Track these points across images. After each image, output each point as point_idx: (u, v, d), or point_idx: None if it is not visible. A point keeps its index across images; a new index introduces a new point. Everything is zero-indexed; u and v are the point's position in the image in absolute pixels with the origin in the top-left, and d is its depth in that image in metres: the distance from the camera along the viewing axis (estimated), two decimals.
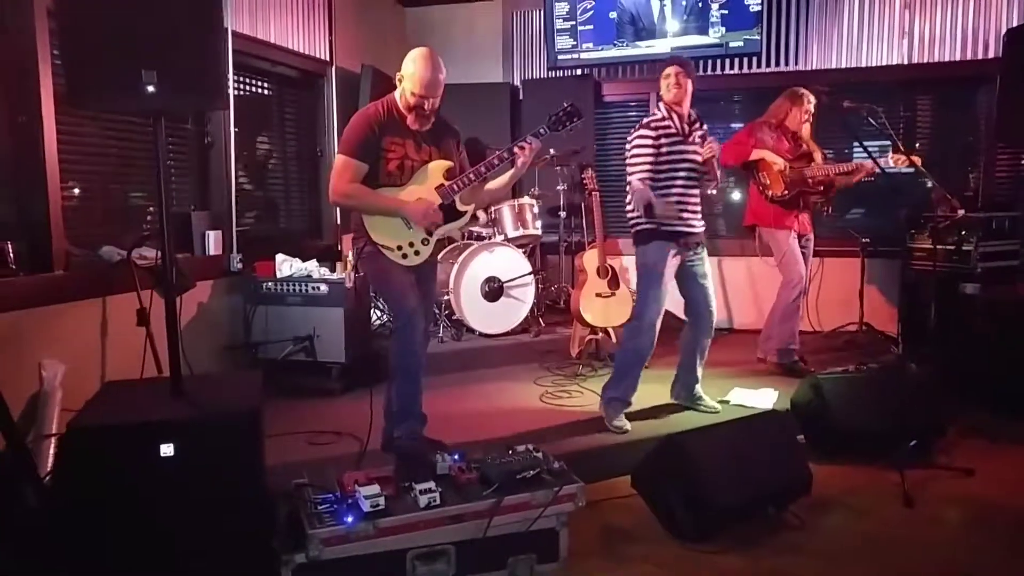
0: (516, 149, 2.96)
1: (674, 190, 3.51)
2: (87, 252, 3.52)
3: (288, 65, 5.06)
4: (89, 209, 3.68)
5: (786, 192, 4.40)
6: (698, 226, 3.59)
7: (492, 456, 2.63)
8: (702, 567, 2.52)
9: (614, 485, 3.10)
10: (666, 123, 3.53)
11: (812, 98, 4.50)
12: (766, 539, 2.68)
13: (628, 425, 3.52)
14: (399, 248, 2.99)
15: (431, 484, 2.39)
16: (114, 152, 3.73)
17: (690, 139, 3.54)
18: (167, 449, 2.13)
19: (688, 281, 3.64)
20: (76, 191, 3.57)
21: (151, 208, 4.16)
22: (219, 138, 4.41)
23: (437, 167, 3.04)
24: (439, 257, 3.48)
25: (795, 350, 4.46)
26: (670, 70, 3.51)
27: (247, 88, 4.86)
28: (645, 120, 3.60)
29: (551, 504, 2.44)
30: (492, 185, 3.17)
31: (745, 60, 5.80)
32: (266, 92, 5.11)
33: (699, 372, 3.76)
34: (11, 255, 3.13)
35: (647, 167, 3.47)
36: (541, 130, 3.01)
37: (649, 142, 3.49)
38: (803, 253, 4.49)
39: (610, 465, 3.23)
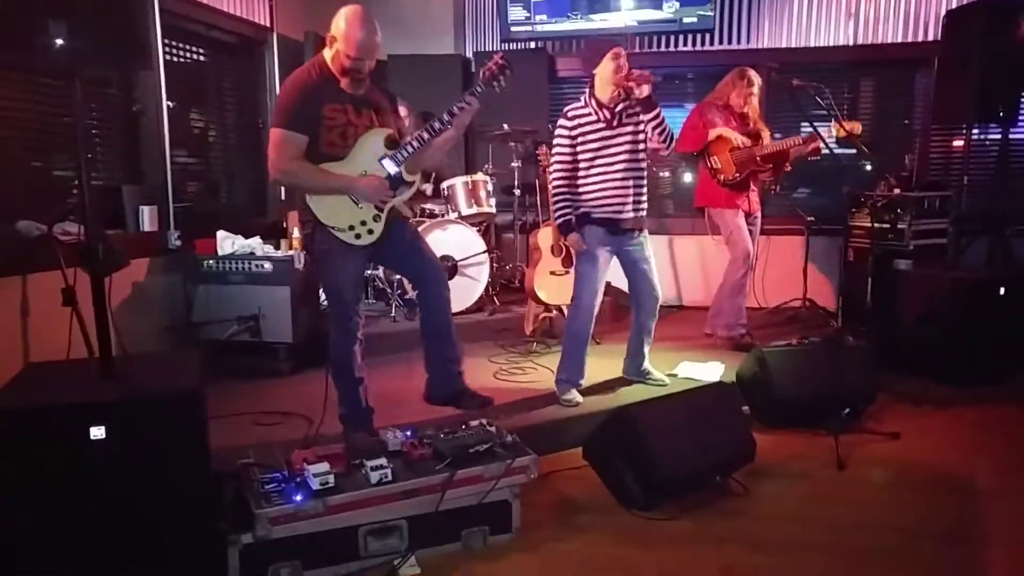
0: (456, 110, 2.80)
1: (600, 180, 3.48)
2: (2, 228, 3.30)
3: (224, 30, 4.81)
4: (3, 180, 3.44)
5: (737, 175, 4.46)
6: (632, 213, 3.52)
7: (445, 431, 2.60)
8: (651, 534, 2.56)
9: (566, 457, 3.12)
10: (587, 111, 3.47)
11: (757, 79, 4.55)
12: (712, 505, 2.75)
13: (579, 398, 3.55)
14: (351, 228, 2.82)
15: (382, 460, 2.35)
16: (32, 118, 3.50)
17: (619, 124, 3.46)
18: (97, 432, 2.02)
19: (628, 266, 3.65)
20: None
21: (76, 180, 3.98)
22: (150, 107, 4.20)
23: (377, 136, 2.85)
24: None
25: (743, 325, 4.53)
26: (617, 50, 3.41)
27: (180, 55, 4.62)
28: (565, 109, 3.55)
29: (504, 476, 2.44)
30: (436, 145, 2.95)
31: (698, 37, 5.82)
32: (201, 59, 4.85)
33: (646, 350, 3.79)
34: None
35: (566, 166, 3.50)
36: (477, 88, 2.85)
37: (565, 134, 3.48)
38: (750, 231, 4.56)
39: (562, 438, 3.24)
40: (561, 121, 3.51)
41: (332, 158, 2.80)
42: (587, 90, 3.53)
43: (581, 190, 3.52)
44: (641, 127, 3.49)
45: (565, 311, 4.64)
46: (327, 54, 2.80)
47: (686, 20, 5.68)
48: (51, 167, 3.73)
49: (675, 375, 3.89)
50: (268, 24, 5.18)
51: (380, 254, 2.98)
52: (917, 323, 4.36)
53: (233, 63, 5.14)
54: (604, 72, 3.42)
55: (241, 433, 3.16)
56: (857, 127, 4.29)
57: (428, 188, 5.02)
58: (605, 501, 2.76)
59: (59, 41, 2.06)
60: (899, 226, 4.70)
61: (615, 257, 3.60)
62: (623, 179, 3.49)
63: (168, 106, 4.26)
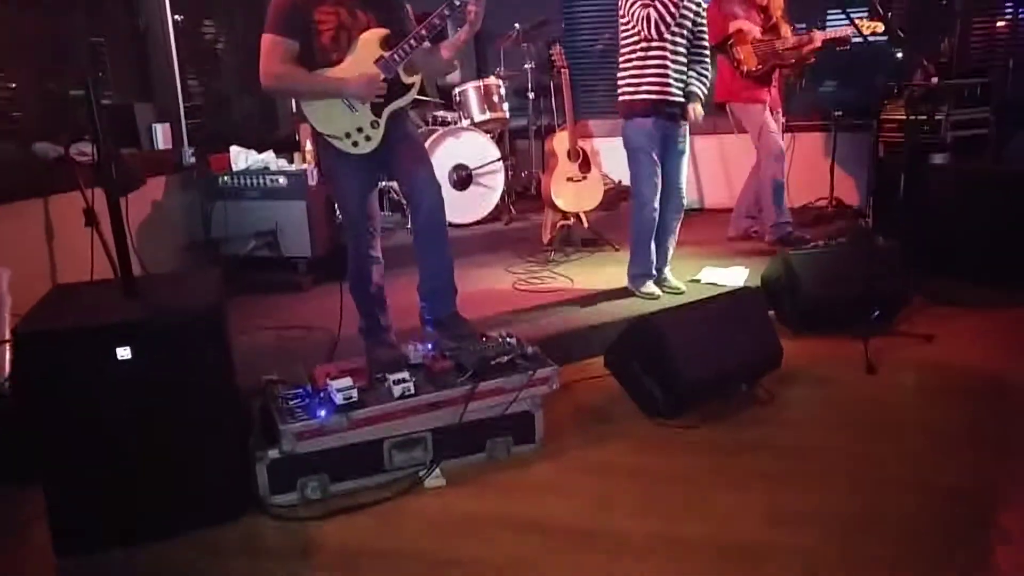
0: (458, 5, 2.62)
1: (659, 57, 3.39)
2: (17, 150, 3.28)
3: None
4: (15, 106, 3.39)
5: (759, 66, 4.28)
6: (681, 95, 3.49)
7: (465, 343, 2.60)
8: (674, 441, 2.57)
9: (588, 367, 3.12)
10: None
11: None
12: (737, 413, 2.73)
13: (657, 290, 3.61)
14: (347, 136, 2.72)
15: (405, 374, 2.36)
16: (44, 39, 3.42)
17: (683, 5, 3.35)
18: (124, 352, 2.04)
19: (665, 153, 3.56)
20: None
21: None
22: (156, 23, 4.09)
23: (372, 37, 2.70)
24: None
25: (789, 223, 4.41)
26: None
27: None
28: None
29: (525, 388, 2.44)
30: (444, 50, 2.82)
31: None
32: None
33: (669, 252, 3.73)
34: None
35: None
36: None
37: None
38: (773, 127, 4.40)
39: (583, 347, 3.24)
40: None
41: (326, 63, 2.69)
42: None
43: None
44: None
45: (584, 218, 4.58)
46: None
47: None
48: (66, 87, 3.67)
49: (698, 280, 3.85)
50: None
51: (385, 164, 2.87)
52: (954, 221, 4.18)
53: None
54: None
55: (264, 348, 3.21)
56: (879, 26, 4.06)
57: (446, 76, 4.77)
58: (628, 410, 2.77)
59: None
60: (936, 117, 4.46)
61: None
62: (681, 58, 3.46)
63: (176, 20, 4.13)
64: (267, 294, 3.99)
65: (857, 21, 4.11)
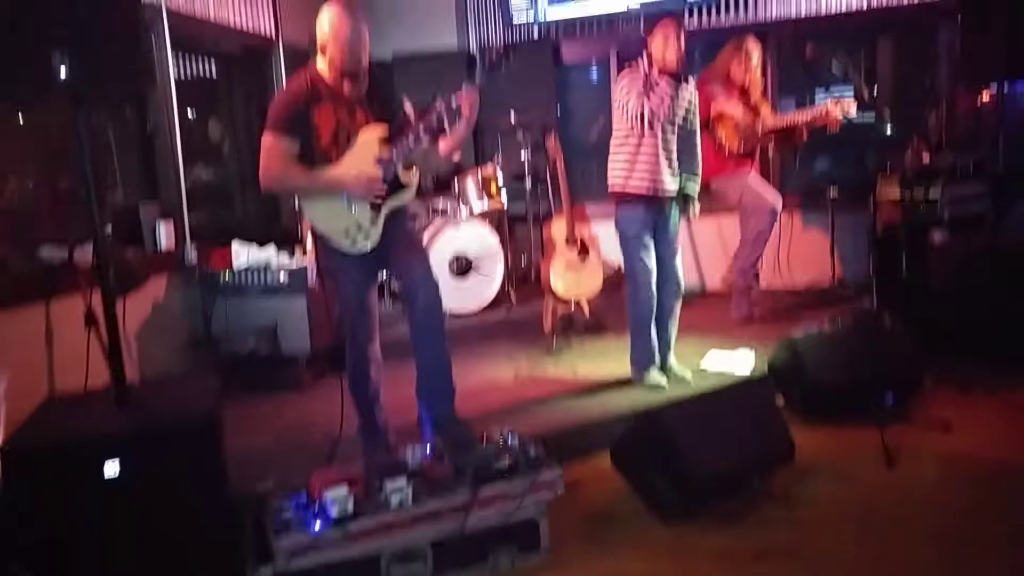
0: (460, 98, 2.65)
1: (651, 148, 3.44)
2: (23, 255, 3.31)
3: (231, 43, 4.82)
4: (25, 209, 3.45)
5: (741, 147, 4.45)
6: (673, 185, 3.53)
7: (464, 446, 2.53)
8: (686, 547, 2.45)
9: (594, 462, 3.03)
10: (651, 74, 3.41)
11: (756, 48, 4.46)
12: (751, 514, 2.61)
13: (661, 379, 3.55)
14: (346, 234, 2.74)
15: (402, 481, 2.29)
16: (51, 145, 3.49)
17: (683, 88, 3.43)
18: (112, 466, 1.98)
19: (657, 237, 3.58)
20: (8, 190, 3.35)
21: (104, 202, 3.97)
22: (163, 125, 4.19)
23: (371, 135, 2.74)
24: None
25: (755, 274, 4.60)
26: (668, 25, 3.37)
27: (190, 70, 4.62)
28: (628, 64, 3.52)
29: (529, 493, 2.36)
30: (443, 146, 2.87)
31: (704, 12, 5.64)
32: (211, 73, 4.87)
33: (671, 338, 3.69)
34: None
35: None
36: (477, 76, 2.71)
37: (640, 79, 3.38)
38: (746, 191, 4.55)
39: (588, 442, 3.15)
40: (629, 74, 3.46)
41: (326, 161, 2.73)
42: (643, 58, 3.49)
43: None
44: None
45: (585, 305, 4.56)
46: (320, 63, 2.72)
47: None
48: (71, 189, 3.72)
49: (703, 370, 3.78)
50: (273, 34, 5.13)
51: (383, 261, 2.87)
52: (956, 299, 4.11)
53: (242, 74, 5.13)
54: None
55: (262, 451, 3.15)
56: (851, 107, 4.29)
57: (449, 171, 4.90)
58: (637, 511, 2.66)
59: (63, 72, 2.02)
60: (931, 195, 4.47)
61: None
62: (672, 148, 3.51)
63: (190, 116, 4.23)
64: (267, 392, 3.93)
65: (828, 105, 4.26)
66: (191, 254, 4.22)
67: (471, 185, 5.00)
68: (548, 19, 5.76)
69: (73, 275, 3.21)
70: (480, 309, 4.84)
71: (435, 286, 2.75)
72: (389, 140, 2.75)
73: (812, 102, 5.62)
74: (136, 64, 2.16)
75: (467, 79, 2.69)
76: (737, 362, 3.77)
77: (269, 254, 4.26)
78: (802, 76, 5.48)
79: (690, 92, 3.53)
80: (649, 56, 3.42)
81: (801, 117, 4.45)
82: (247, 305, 4.10)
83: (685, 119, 3.53)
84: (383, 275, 4.66)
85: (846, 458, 3.01)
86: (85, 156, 2.19)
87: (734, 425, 2.73)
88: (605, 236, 5.48)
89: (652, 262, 3.52)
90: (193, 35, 4.46)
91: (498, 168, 5.11)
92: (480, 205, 4.99)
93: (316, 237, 2.81)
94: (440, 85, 5.51)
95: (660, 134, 3.42)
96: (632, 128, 3.39)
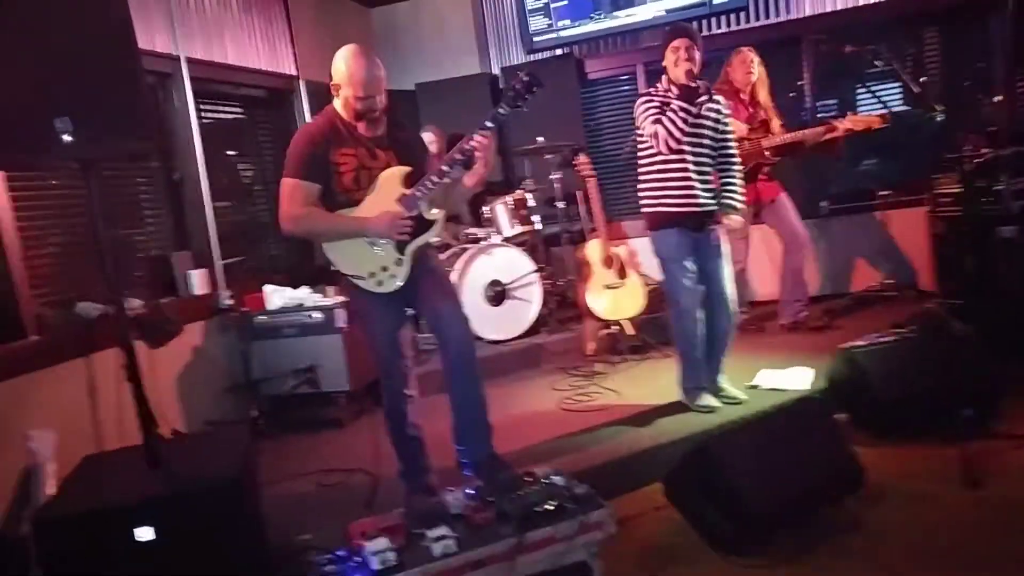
0: (474, 143, 2.61)
1: (680, 168, 3.27)
2: (62, 312, 3.32)
3: (253, 85, 4.84)
4: (59, 265, 3.46)
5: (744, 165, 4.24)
6: (709, 204, 3.34)
7: (507, 488, 2.40)
8: None
9: (647, 494, 2.86)
10: (668, 96, 3.26)
11: (751, 53, 4.32)
12: (819, 545, 2.41)
13: (715, 402, 3.37)
14: (371, 275, 2.66)
15: (444, 530, 2.17)
16: (81, 202, 3.51)
17: (699, 113, 3.24)
18: (144, 533, 1.91)
19: (702, 258, 3.39)
20: (41, 249, 3.36)
21: (137, 253, 4.00)
22: (189, 172, 4.20)
23: (394, 175, 2.69)
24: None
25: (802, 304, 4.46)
26: (679, 43, 3.21)
27: (214, 115, 4.63)
28: (647, 90, 3.38)
29: (578, 535, 2.21)
30: (465, 183, 2.80)
31: (732, 16, 5.49)
32: (236, 116, 4.89)
33: (722, 362, 3.49)
34: None
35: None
36: (501, 110, 2.65)
37: (656, 104, 3.25)
38: (774, 219, 4.42)
39: (640, 473, 2.99)
40: (647, 99, 3.31)
41: (348, 204, 2.67)
42: (664, 76, 3.37)
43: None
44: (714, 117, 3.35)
45: (627, 326, 4.40)
46: (337, 104, 2.68)
47: (716, 1, 5.34)
48: (109, 244, 3.72)
49: (756, 386, 3.59)
50: (294, 72, 5.14)
51: (411, 300, 2.79)
52: None
53: (265, 114, 5.14)
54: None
55: (302, 497, 3.08)
56: (875, 122, 4.17)
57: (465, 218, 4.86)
58: (694, 546, 2.49)
59: (67, 137, 2.00)
60: (996, 187, 4.18)
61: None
62: (705, 168, 3.34)
63: (216, 160, 4.22)
64: (308, 432, 3.89)
65: (848, 120, 4.17)
66: (225, 299, 4.21)
67: (502, 210, 4.91)
68: (570, 35, 5.67)
69: (111, 329, 3.18)
70: (518, 335, 4.72)
71: (466, 324, 2.66)
72: (412, 178, 2.69)
73: (854, 101, 5.41)
74: (140, 125, 2.11)
75: (485, 123, 2.63)
76: (793, 378, 3.57)
77: (302, 294, 4.23)
78: (842, 75, 5.28)
79: (715, 104, 3.35)
80: (667, 80, 3.29)
81: (809, 135, 4.30)
82: (284, 346, 4.07)
83: (715, 130, 3.35)
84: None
85: (923, 480, 2.76)
86: (95, 217, 2.16)
87: (794, 450, 2.55)
88: (645, 251, 5.35)
89: (695, 284, 3.35)
90: (214, 80, 4.47)
91: (528, 192, 5.01)
92: (512, 229, 4.89)
93: (343, 279, 2.73)
94: (464, 110, 5.59)
95: (687, 152, 3.25)
96: (655, 151, 3.25)
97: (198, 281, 4.13)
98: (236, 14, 4.62)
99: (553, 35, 5.70)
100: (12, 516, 2.85)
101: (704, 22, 5.51)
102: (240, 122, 4.96)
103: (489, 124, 2.63)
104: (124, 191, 3.98)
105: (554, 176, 5.10)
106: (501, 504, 2.30)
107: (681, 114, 3.13)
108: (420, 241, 2.71)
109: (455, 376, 2.70)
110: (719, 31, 5.53)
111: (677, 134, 3.15)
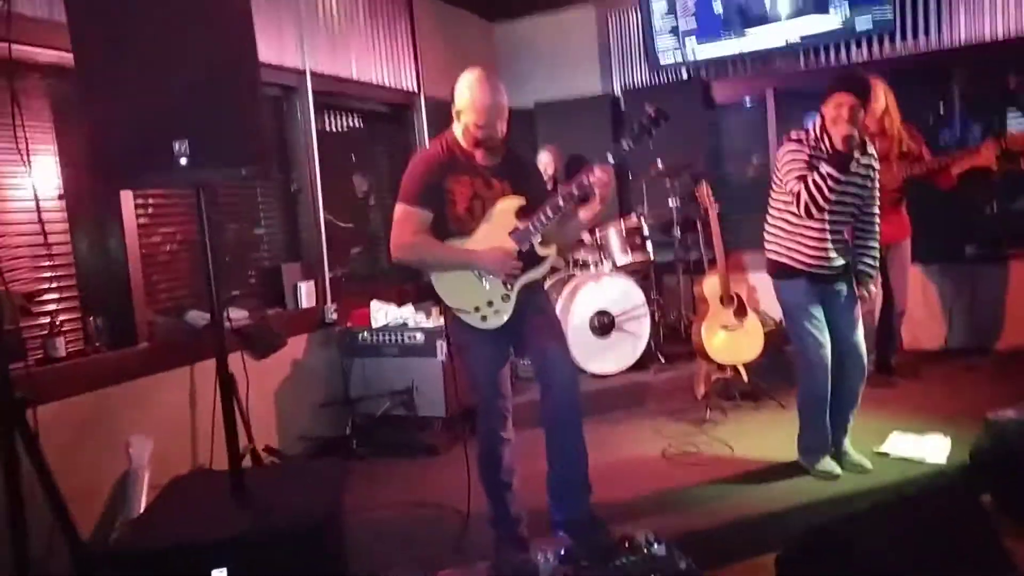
0: (593, 178, 2.45)
1: (817, 227, 2.99)
2: (172, 319, 3.41)
3: (375, 100, 4.88)
4: (175, 273, 3.57)
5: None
6: (841, 261, 3.05)
7: (602, 554, 2.21)
8: None
9: (754, 568, 2.59)
10: (820, 147, 2.96)
11: (880, 87, 3.85)
12: None
13: (837, 468, 3.09)
14: (476, 310, 2.56)
15: None
16: (193, 213, 3.60)
17: (849, 170, 2.91)
18: (220, 574, 1.85)
19: (830, 307, 3.09)
20: (159, 257, 3.46)
21: (252, 260, 4.08)
22: (306, 184, 4.26)
23: (508, 207, 2.58)
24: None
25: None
26: (843, 99, 2.84)
27: (333, 125, 4.70)
28: (795, 134, 3.04)
29: None
30: (580, 217, 2.69)
31: (874, 41, 5.06)
32: (355, 127, 4.94)
33: (849, 424, 3.16)
34: (93, 331, 3.06)
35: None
36: (623, 145, 2.50)
37: (803, 159, 2.94)
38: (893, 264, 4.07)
39: (749, 542, 2.71)
40: (793, 146, 3.01)
41: (460, 233, 2.58)
42: (816, 121, 3.02)
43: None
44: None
45: (743, 371, 4.10)
46: (457, 129, 2.59)
47: (859, 25, 4.91)
48: (221, 254, 3.83)
49: (884, 453, 3.23)
50: (415, 89, 5.15)
51: (517, 338, 2.65)
52: None
53: (384, 128, 5.18)
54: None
55: (391, 529, 3.01)
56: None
57: (587, 242, 4.71)
58: None
59: (183, 161, 2.00)
60: None
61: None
62: (843, 226, 3.07)
63: (333, 172, 4.27)
64: (400, 456, 3.83)
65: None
66: (331, 313, 4.23)
67: (614, 237, 4.72)
68: (698, 58, 5.41)
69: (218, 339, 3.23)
70: (624, 370, 4.51)
71: (572, 370, 2.51)
72: (527, 210, 2.57)
73: (1003, 126, 4.88)
74: (254, 154, 2.09)
75: (606, 156, 2.47)
76: (927, 448, 3.19)
77: (407, 313, 4.19)
78: (995, 101, 4.79)
79: (867, 159, 3.01)
80: (821, 126, 2.96)
81: (941, 161, 3.92)
82: (384, 365, 4.05)
83: (862, 187, 3.02)
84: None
85: None
86: (205, 237, 2.15)
87: (936, 541, 2.22)
88: (764, 286, 5.02)
89: (825, 335, 3.05)
90: (337, 94, 4.53)
91: (643, 218, 4.80)
92: (624, 258, 4.69)
93: (446, 310, 2.64)
94: (584, 131, 5.44)
95: (827, 211, 2.94)
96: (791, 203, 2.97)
97: (306, 293, 4.18)
98: (362, 28, 4.68)
99: (679, 56, 5.44)
100: (105, 521, 2.92)
101: (840, 46, 5.12)
102: (359, 134, 5.01)
103: (611, 159, 2.47)
104: (243, 200, 4.07)
105: (672, 203, 4.87)
106: (594, 573, 2.12)
107: (829, 182, 2.83)
108: (529, 277, 2.59)
109: (555, 425, 2.55)
110: (860, 57, 5.11)
111: (821, 202, 2.85)
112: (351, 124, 4.90)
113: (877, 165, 3.07)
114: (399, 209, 2.58)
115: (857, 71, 3.45)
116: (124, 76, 1.94)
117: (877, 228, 3.11)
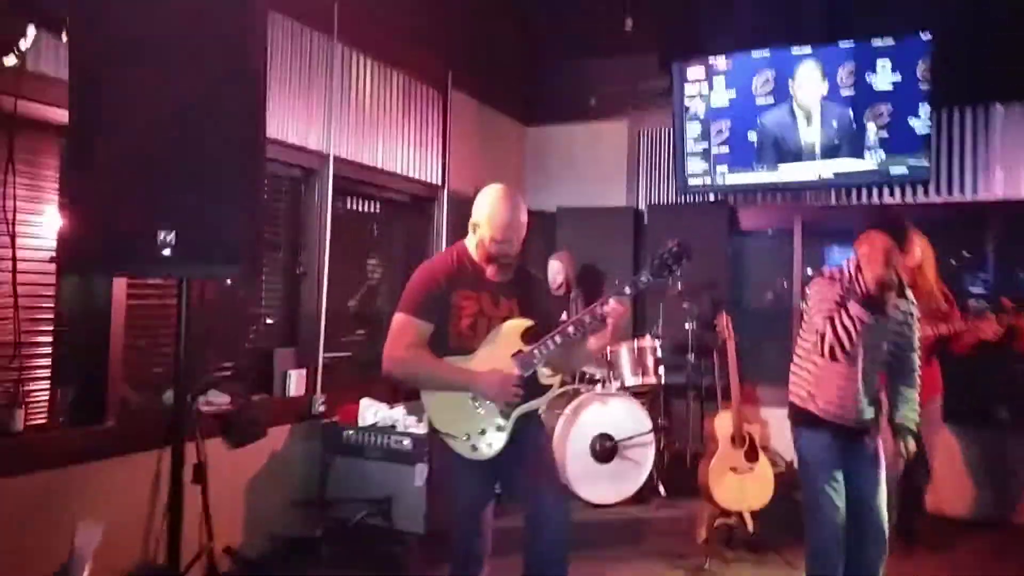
0: (607, 308, 2.32)
1: (847, 373, 2.79)
2: (147, 397, 3.21)
3: (397, 190, 4.81)
4: (159, 348, 3.37)
5: None
6: (870, 415, 2.83)
7: None
8: None
9: None
10: (855, 287, 2.79)
11: (917, 239, 3.64)
12: None
13: None
14: (467, 438, 2.34)
15: None
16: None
17: (883, 313, 2.76)
18: None
19: (850, 465, 2.84)
20: (146, 328, 3.29)
21: (249, 336, 3.91)
22: (312, 269, 4.12)
23: (513, 328, 2.42)
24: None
25: None
26: (877, 239, 2.71)
27: (352, 207, 4.60)
28: (829, 271, 2.89)
29: None
30: (587, 347, 2.52)
31: (908, 187, 4.97)
32: (373, 213, 4.83)
33: None
34: (59, 403, 2.86)
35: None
36: (642, 279, 2.37)
37: (834, 298, 2.77)
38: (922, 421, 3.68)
39: None
40: (824, 282, 2.86)
41: (460, 351, 2.40)
42: (849, 260, 2.87)
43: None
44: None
45: (748, 520, 3.80)
46: (470, 242, 2.48)
47: (894, 171, 4.81)
48: (213, 333, 3.65)
49: None
50: (440, 182, 5.10)
51: (506, 474, 2.43)
52: None
53: (405, 216, 5.09)
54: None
55: None
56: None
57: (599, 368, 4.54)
58: None
59: (166, 252, 1.85)
60: None
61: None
62: (873, 375, 2.87)
63: (344, 257, 4.15)
64: (372, 570, 3.53)
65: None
66: (319, 404, 4.01)
67: (626, 355, 4.52)
68: (727, 183, 5.33)
69: (192, 424, 3.01)
70: (622, 500, 4.21)
71: (566, 517, 2.26)
72: (533, 333, 2.40)
73: None
74: (246, 251, 1.93)
75: (623, 288, 2.36)
76: None
77: (398, 415, 3.95)
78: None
79: (905, 302, 2.85)
80: (856, 266, 2.81)
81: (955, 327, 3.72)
82: (366, 468, 3.79)
83: (899, 335, 2.85)
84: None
85: None
86: (182, 326, 1.97)
87: None
88: (777, 425, 4.76)
89: (842, 498, 2.78)
90: (358, 181, 4.45)
91: (657, 341, 4.61)
92: (634, 379, 4.48)
93: (432, 432, 2.42)
94: (603, 240, 5.33)
95: (859, 356, 2.76)
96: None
97: (295, 381, 3.97)
98: (394, 117, 4.65)
99: (708, 180, 5.36)
100: None
101: (874, 190, 5.04)
102: (377, 219, 4.90)
103: (628, 291, 2.31)
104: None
105: (688, 326, 4.68)
106: None
107: (857, 324, 2.65)
108: (529, 406, 2.38)
109: (541, 573, 2.27)
110: (892, 200, 5.00)
111: (847, 345, 2.67)
112: (370, 209, 4.80)
113: (917, 312, 2.88)
114: (398, 319, 2.41)
115: (895, 211, 3.32)
116: (117, 150, 1.81)
117: (917, 379, 2.89)
